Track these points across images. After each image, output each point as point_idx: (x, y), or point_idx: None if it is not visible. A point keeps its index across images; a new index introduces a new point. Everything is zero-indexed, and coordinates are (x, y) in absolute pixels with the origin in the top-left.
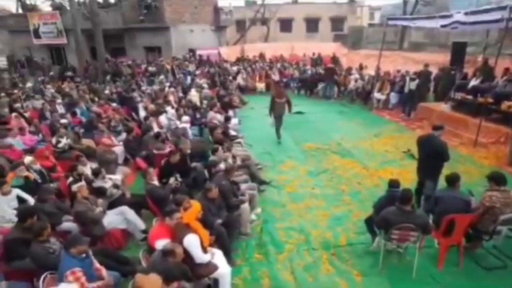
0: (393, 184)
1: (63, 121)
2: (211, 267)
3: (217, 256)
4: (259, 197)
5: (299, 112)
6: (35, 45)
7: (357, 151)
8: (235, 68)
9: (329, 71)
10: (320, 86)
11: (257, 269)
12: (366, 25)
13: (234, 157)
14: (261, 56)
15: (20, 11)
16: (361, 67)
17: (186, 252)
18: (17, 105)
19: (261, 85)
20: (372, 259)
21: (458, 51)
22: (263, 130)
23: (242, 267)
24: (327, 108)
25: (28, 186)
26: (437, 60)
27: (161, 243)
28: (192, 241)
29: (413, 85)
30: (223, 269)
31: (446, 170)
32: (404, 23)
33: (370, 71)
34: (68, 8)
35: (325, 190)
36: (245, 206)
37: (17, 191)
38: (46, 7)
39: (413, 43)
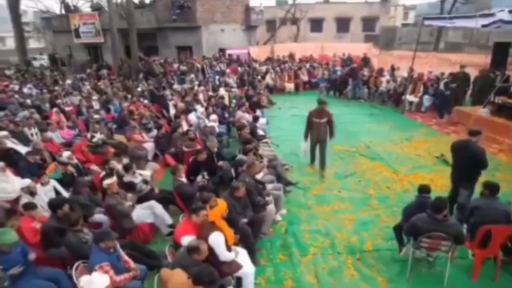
0: (423, 189)
1: (96, 116)
2: (235, 265)
3: (241, 255)
4: (284, 198)
5: None
6: (75, 44)
7: (387, 155)
8: (264, 68)
9: (353, 71)
10: (350, 87)
11: (281, 270)
12: (400, 25)
13: (261, 157)
14: (291, 56)
15: (63, 12)
16: (393, 68)
17: (211, 250)
18: (59, 101)
19: (289, 85)
20: (399, 267)
21: (500, 52)
22: (291, 130)
23: (266, 267)
24: (357, 110)
25: (65, 179)
26: (475, 61)
27: (187, 240)
28: (217, 239)
29: (441, 85)
30: (247, 268)
31: (483, 178)
32: (441, 23)
33: (403, 73)
34: (107, 9)
35: (352, 194)
36: (271, 206)
37: (54, 183)
38: (86, 8)
39: (450, 43)
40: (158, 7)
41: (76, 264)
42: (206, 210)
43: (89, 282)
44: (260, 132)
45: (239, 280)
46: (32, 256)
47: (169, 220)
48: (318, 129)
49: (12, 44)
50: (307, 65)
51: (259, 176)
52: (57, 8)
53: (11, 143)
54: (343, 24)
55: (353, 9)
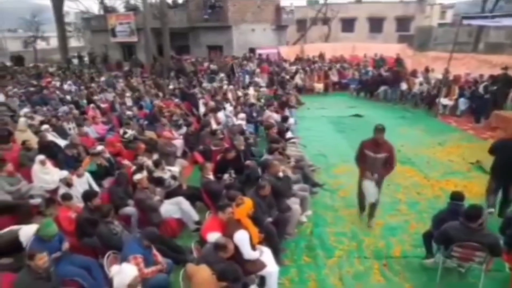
0: (456, 196)
1: (128, 113)
2: (259, 264)
3: (266, 254)
4: (310, 199)
5: (357, 115)
6: (111, 43)
7: (418, 159)
8: (293, 68)
9: (397, 74)
10: (382, 88)
11: (305, 272)
12: (436, 24)
13: (288, 157)
14: (321, 56)
15: (102, 13)
16: (427, 70)
17: (236, 248)
18: (96, 97)
19: (319, 86)
20: (428, 275)
21: None
22: (319, 131)
23: (289, 267)
24: (388, 112)
25: (99, 171)
26: None
27: (212, 236)
28: (242, 238)
29: (480, 87)
30: (271, 268)
31: None
32: (482, 22)
33: (438, 75)
34: (141, 9)
35: (380, 198)
36: (296, 207)
37: (88, 176)
38: (122, 9)
39: (491, 44)
40: (190, 7)
41: (107, 254)
42: (232, 208)
43: (119, 271)
44: (288, 132)
45: (262, 279)
46: (66, 245)
47: (195, 216)
48: (373, 167)
49: (55, 43)
50: (338, 66)
51: None
52: (96, 9)
53: (52, 137)
54: (376, 24)
55: (386, 8)
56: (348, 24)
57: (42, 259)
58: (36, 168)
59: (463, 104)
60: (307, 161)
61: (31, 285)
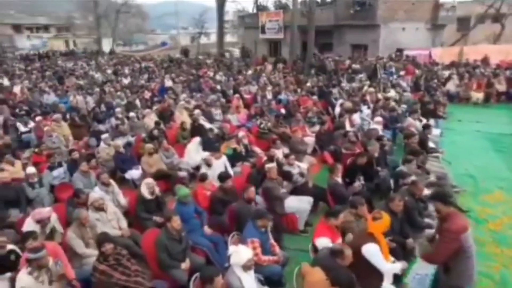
0: None
1: (267, 105)
2: (379, 284)
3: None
4: None
5: None
6: (260, 39)
7: None
8: (446, 73)
9: None
10: None
11: None
12: None
13: (427, 172)
14: (484, 60)
15: (255, 11)
16: None
17: (359, 260)
18: (241, 88)
19: (477, 95)
20: None
21: None
22: (470, 148)
23: None
24: None
25: (235, 155)
26: None
27: (320, 241)
28: (372, 250)
29: None
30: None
31: None
32: None
33: None
34: (291, 7)
35: None
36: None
37: (225, 159)
38: (272, 7)
39: None
40: (338, 5)
41: (231, 234)
42: (343, 213)
43: (235, 252)
44: (431, 145)
45: None
46: (207, 229)
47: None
48: None
49: (214, 38)
50: (507, 72)
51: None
52: (250, 8)
53: (202, 120)
54: None
55: None
56: None
57: (176, 222)
58: (190, 147)
59: None
60: (450, 181)
61: (166, 244)
